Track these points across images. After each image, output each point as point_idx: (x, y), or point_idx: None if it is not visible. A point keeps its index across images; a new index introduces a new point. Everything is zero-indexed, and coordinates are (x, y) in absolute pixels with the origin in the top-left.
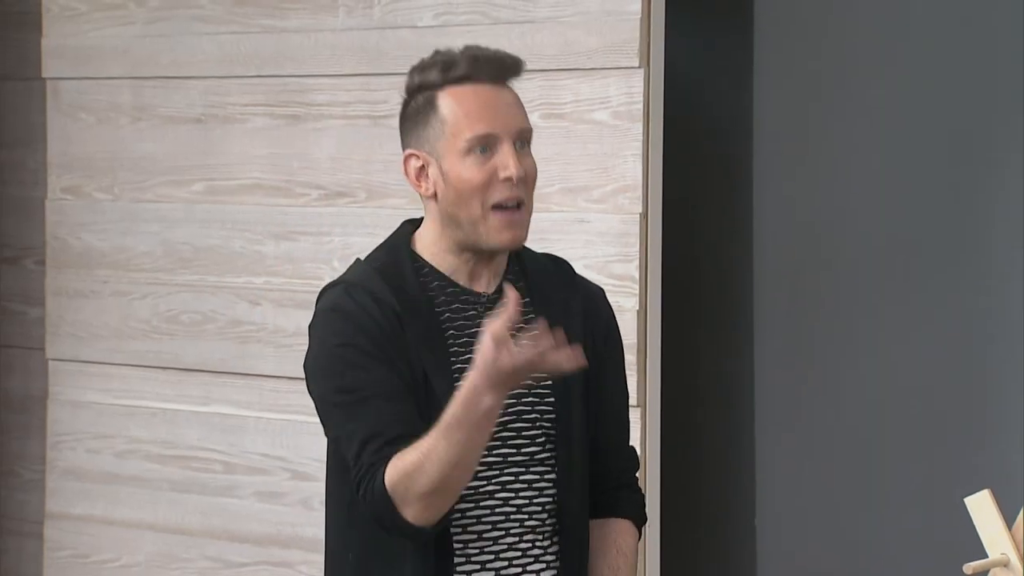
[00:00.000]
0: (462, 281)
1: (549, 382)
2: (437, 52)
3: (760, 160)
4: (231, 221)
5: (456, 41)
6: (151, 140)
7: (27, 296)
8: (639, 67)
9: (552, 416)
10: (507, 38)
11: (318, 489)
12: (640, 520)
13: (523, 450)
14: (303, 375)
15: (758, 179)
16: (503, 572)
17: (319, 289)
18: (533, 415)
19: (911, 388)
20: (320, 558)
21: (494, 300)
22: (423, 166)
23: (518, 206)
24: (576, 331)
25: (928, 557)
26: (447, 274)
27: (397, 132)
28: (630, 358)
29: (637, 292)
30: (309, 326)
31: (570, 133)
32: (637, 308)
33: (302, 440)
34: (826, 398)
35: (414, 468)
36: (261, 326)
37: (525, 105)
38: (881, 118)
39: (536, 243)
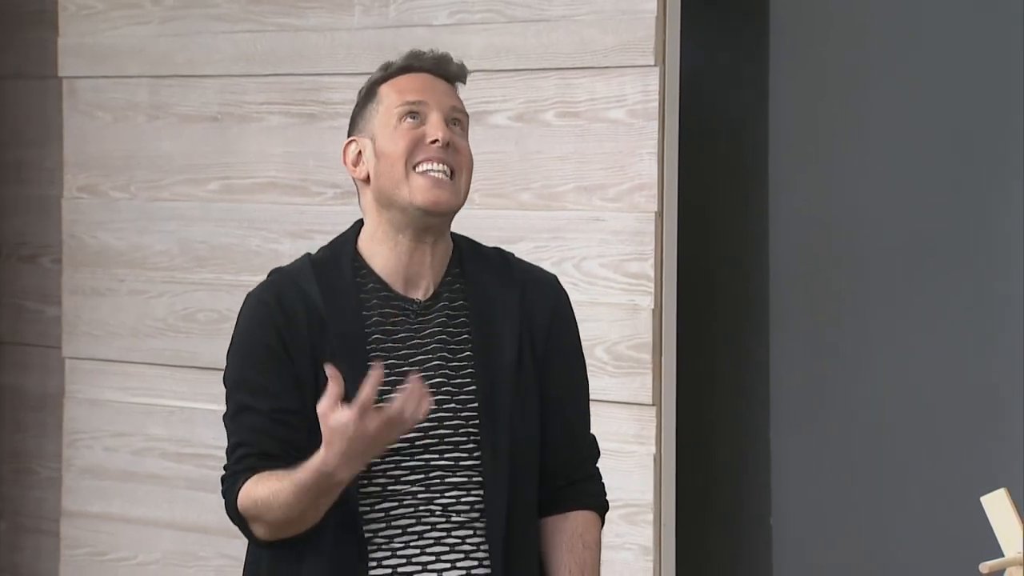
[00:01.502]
0: (398, 286)
1: (473, 386)
2: (385, 64)
3: (776, 158)
4: (247, 219)
5: (471, 40)
6: (167, 139)
7: (44, 295)
8: (655, 65)
9: (476, 421)
10: (522, 36)
11: None
12: (602, 509)
13: (446, 455)
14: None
15: (774, 177)
16: (431, 566)
17: None
18: (456, 421)
19: (927, 386)
20: None
21: (427, 307)
22: (359, 151)
23: (447, 175)
24: (507, 328)
25: (944, 556)
26: (383, 277)
27: None
28: (645, 356)
29: (652, 291)
30: (239, 311)
31: (585, 132)
32: (652, 307)
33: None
34: (841, 396)
35: (262, 502)
36: None
37: (541, 103)
38: (897, 116)
39: (551, 241)
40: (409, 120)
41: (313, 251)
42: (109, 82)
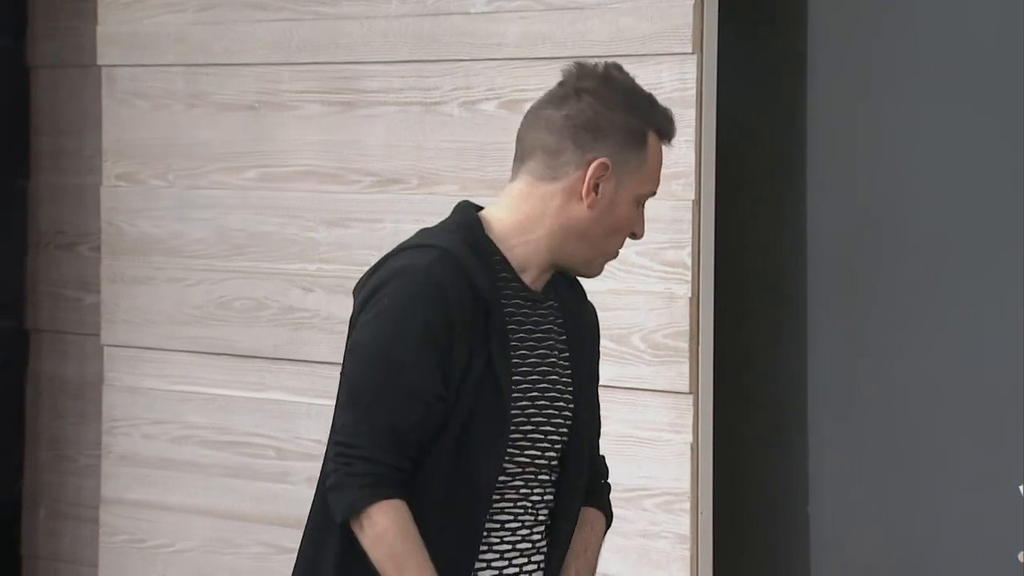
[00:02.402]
0: (526, 279)
1: (572, 388)
2: (632, 82)
3: (813, 146)
4: (284, 208)
5: (508, 30)
6: (205, 127)
7: (83, 282)
8: (692, 53)
9: (571, 421)
10: (559, 24)
11: None
12: (610, 515)
13: (546, 453)
14: None
15: (811, 166)
16: (515, 561)
17: None
18: (559, 420)
19: (965, 376)
20: None
21: (542, 301)
22: (604, 180)
23: None
24: (588, 342)
25: (982, 545)
26: (515, 268)
27: (449, 119)
28: (682, 345)
29: (689, 279)
30: (387, 278)
31: None
32: (689, 295)
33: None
34: (879, 385)
35: (387, 549)
36: (315, 312)
37: None
38: (936, 103)
39: None
40: (641, 207)
41: (353, 241)
42: (147, 70)
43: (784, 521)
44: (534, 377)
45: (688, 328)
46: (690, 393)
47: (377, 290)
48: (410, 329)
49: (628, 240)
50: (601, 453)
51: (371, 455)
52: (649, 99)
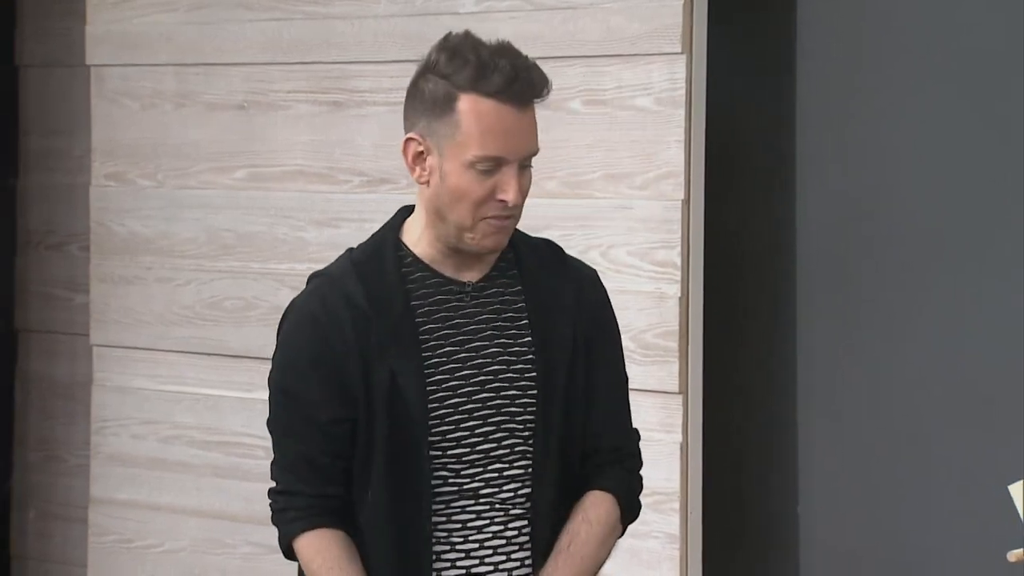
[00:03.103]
0: (447, 272)
1: (533, 374)
2: (471, 42)
3: (803, 146)
4: (274, 208)
5: (498, 29)
6: (194, 127)
7: (72, 282)
8: (681, 53)
9: (533, 409)
10: (549, 24)
11: None
12: (625, 496)
13: (504, 443)
14: None
15: (801, 166)
16: (488, 559)
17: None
18: (514, 409)
19: (954, 374)
20: None
21: (480, 288)
22: (422, 152)
23: (510, 219)
24: (565, 321)
25: (972, 545)
26: (430, 264)
27: None
28: (671, 344)
29: (679, 279)
30: (283, 315)
31: (613, 120)
32: (679, 295)
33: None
34: (869, 385)
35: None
36: None
37: (568, 91)
38: (925, 103)
39: (578, 229)
40: (482, 170)
41: (342, 241)
42: (136, 70)
43: (774, 521)
44: (466, 372)
45: (678, 328)
46: (680, 393)
47: (281, 321)
48: (296, 360)
49: (619, 240)
50: (633, 426)
51: (290, 488)
52: (463, 57)
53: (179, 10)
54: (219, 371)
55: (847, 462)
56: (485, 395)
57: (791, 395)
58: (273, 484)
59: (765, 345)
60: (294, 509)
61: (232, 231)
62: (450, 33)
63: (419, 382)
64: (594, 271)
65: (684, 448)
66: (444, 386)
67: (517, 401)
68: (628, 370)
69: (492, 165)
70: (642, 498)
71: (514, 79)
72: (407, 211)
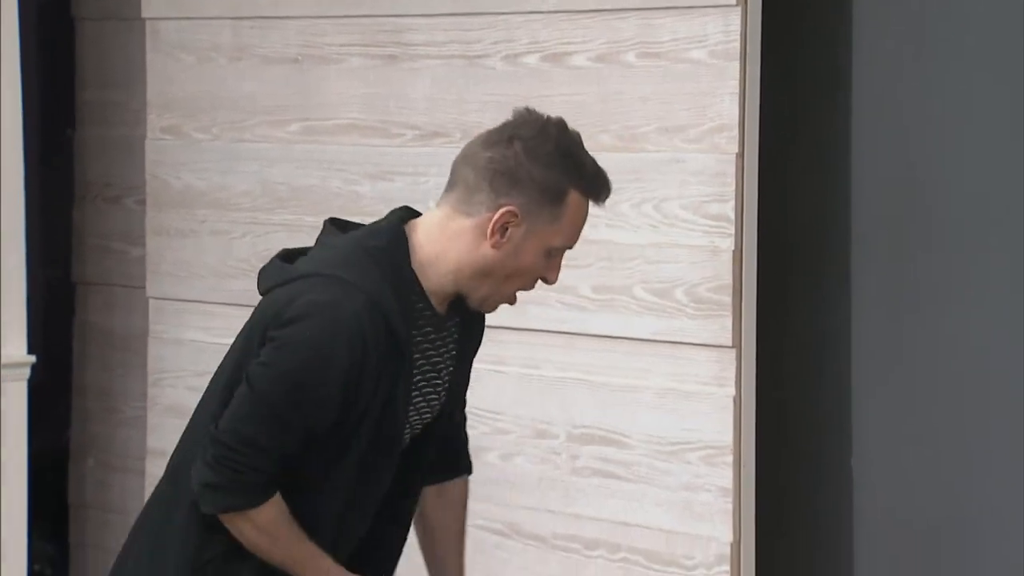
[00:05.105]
0: (434, 301)
1: (440, 398)
2: (577, 142)
3: (859, 99)
4: (328, 161)
5: None
6: (249, 80)
7: (128, 235)
8: (736, 5)
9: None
10: None
11: None
12: (470, 470)
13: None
14: None
15: (856, 118)
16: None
17: None
18: (419, 426)
19: (1011, 330)
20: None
21: (445, 323)
22: (512, 226)
23: None
24: (473, 347)
25: None
26: (428, 294)
27: (492, 72)
28: (725, 298)
29: (732, 232)
30: (310, 310)
31: (667, 72)
32: (732, 248)
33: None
34: (923, 337)
35: (284, 536)
36: None
37: (622, 44)
38: (987, 60)
39: (631, 183)
40: (552, 256)
41: (396, 194)
42: (192, 23)
43: (827, 474)
44: (426, 400)
45: (731, 282)
46: (733, 347)
47: (301, 318)
48: (328, 368)
49: (672, 193)
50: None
51: (260, 466)
52: (580, 161)
53: None
54: None
55: (901, 414)
56: (415, 417)
57: (845, 348)
58: (235, 451)
59: (819, 298)
60: (258, 484)
61: (286, 184)
62: (548, 120)
63: (405, 409)
64: None
65: (737, 402)
66: (414, 412)
67: (424, 418)
68: (681, 324)
69: (560, 252)
70: (695, 451)
71: (609, 187)
72: (407, 218)
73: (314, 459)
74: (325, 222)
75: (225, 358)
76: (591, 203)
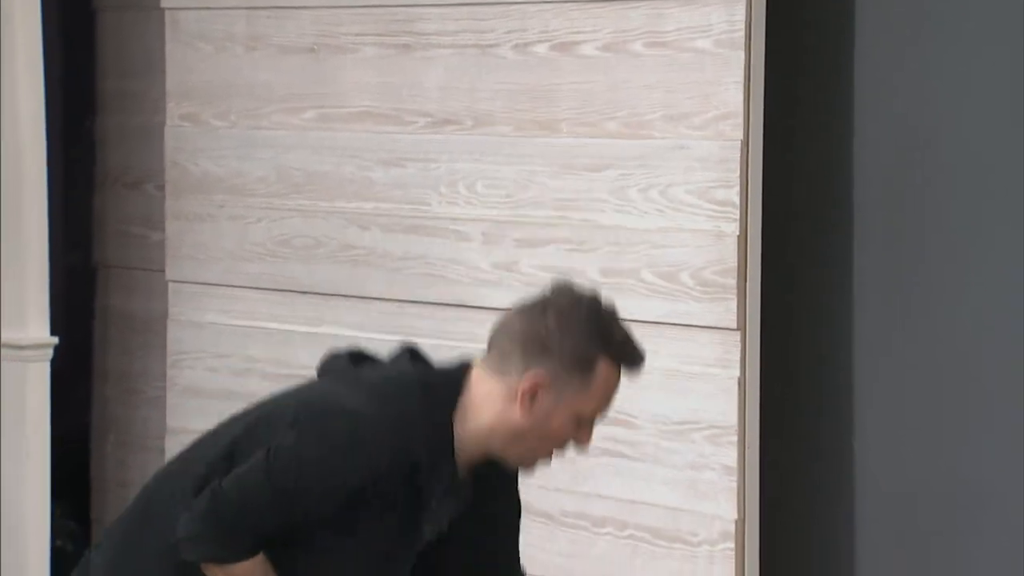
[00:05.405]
0: (459, 459)
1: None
2: (610, 313)
3: (862, 87)
4: (342, 148)
5: None
6: (265, 69)
7: (148, 220)
8: None
9: None
10: None
11: None
12: None
13: None
14: (413, 298)
15: (859, 106)
16: None
17: (426, 217)
18: None
19: (1013, 308)
20: None
21: (460, 483)
22: (542, 392)
23: None
24: (512, 480)
25: None
26: (458, 459)
27: (503, 61)
28: (729, 282)
29: (737, 217)
30: (365, 412)
31: (673, 61)
32: (737, 233)
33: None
34: (926, 318)
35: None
36: (371, 250)
37: (629, 33)
38: (988, 45)
39: (638, 168)
40: (582, 423)
41: (408, 180)
42: (209, 13)
43: (829, 454)
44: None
45: (736, 265)
46: (738, 329)
47: (340, 417)
48: (347, 473)
49: (677, 179)
50: None
51: (253, 529)
52: (610, 330)
53: None
54: (288, 306)
55: (903, 395)
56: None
57: (848, 330)
58: (227, 500)
59: (823, 281)
60: (244, 540)
61: (302, 170)
62: (582, 292)
63: (390, 534)
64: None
65: (742, 383)
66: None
67: None
68: (687, 307)
69: (591, 418)
70: (700, 431)
71: (641, 357)
72: (467, 369)
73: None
74: (403, 347)
75: (241, 413)
76: (626, 374)
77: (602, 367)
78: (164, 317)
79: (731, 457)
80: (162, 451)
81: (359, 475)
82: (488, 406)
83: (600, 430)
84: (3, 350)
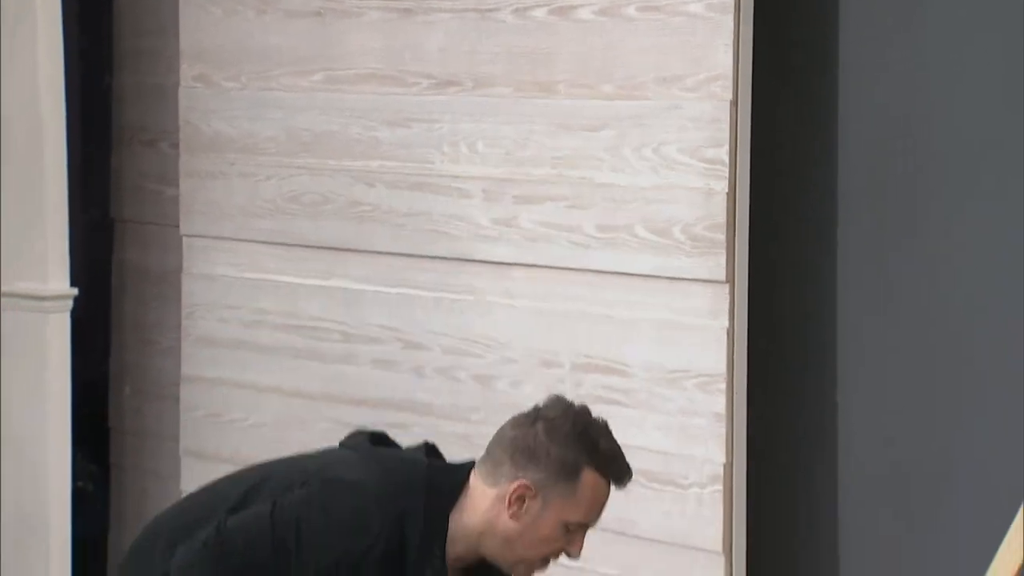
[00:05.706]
0: (449, 553)
1: None
2: (599, 425)
3: (847, 49)
4: (348, 109)
5: None
6: (274, 33)
7: (163, 177)
8: None
9: None
10: None
11: (429, 358)
12: None
13: None
14: (416, 252)
15: (845, 67)
16: None
17: (429, 175)
18: None
19: (999, 266)
20: (432, 420)
21: (442, 568)
22: (529, 498)
23: None
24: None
25: (1012, 440)
26: (448, 551)
27: (502, 25)
28: (719, 236)
29: (727, 175)
30: (371, 488)
31: (665, 25)
32: (726, 190)
33: (415, 313)
34: (910, 276)
35: None
36: (376, 206)
37: None
38: (975, 11)
39: (633, 128)
40: (571, 530)
41: (413, 140)
42: None
43: (813, 401)
44: None
45: (725, 220)
46: (727, 282)
47: (352, 491)
48: (343, 539)
49: (670, 137)
50: None
51: (246, 560)
52: (596, 442)
53: None
54: (297, 260)
55: (888, 351)
56: None
57: (832, 284)
58: (228, 534)
59: (809, 236)
60: (234, 569)
61: (310, 130)
62: (572, 404)
63: None
64: None
65: (731, 333)
66: None
67: None
68: (679, 261)
69: (580, 527)
70: (691, 379)
71: (628, 471)
72: (469, 476)
73: None
74: (425, 443)
75: (269, 464)
76: (613, 484)
77: (587, 476)
78: (178, 270)
79: (720, 404)
80: (176, 399)
81: (357, 545)
82: (481, 509)
83: (595, 378)
84: (26, 301)
